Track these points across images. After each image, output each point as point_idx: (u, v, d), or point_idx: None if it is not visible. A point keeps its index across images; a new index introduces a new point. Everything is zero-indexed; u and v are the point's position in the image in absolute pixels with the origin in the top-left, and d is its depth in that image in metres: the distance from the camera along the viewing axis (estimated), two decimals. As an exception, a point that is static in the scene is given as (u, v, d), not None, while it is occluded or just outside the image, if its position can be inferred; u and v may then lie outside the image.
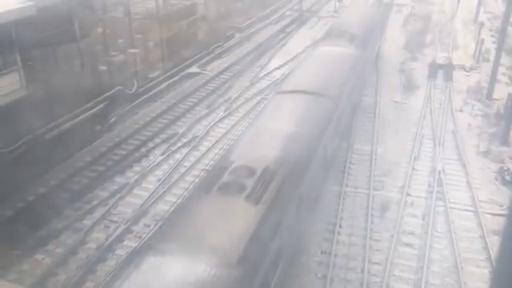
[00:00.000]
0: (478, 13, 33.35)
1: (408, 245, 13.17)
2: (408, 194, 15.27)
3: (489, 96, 22.08)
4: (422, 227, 13.85)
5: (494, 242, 13.04)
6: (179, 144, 18.05)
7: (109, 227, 13.60)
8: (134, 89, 20.76)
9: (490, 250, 12.77)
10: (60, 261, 12.21)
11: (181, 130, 18.96)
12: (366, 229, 13.63)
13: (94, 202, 14.55)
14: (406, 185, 15.66)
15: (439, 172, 16.27)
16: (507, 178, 16.02)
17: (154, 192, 15.08)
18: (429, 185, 15.79)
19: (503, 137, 18.41)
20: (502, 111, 19.75)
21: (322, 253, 12.85)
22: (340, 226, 13.79)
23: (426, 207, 14.70)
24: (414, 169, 16.65)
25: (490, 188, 15.74)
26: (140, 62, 21.74)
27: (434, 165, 16.82)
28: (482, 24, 29.37)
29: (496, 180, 16.12)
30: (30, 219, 13.30)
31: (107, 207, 14.29)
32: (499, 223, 13.98)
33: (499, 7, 33.43)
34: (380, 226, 13.85)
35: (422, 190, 15.56)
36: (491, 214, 14.45)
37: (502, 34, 21.85)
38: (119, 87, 19.45)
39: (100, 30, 19.72)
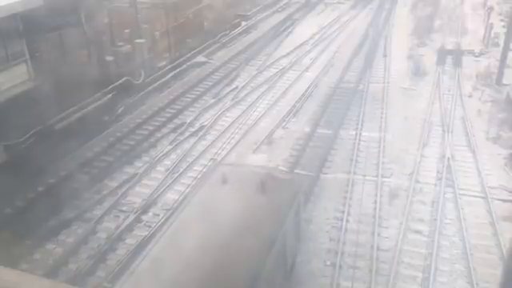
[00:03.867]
0: (487, -3, 32.87)
1: (417, 231, 13.15)
2: (417, 181, 15.21)
3: (498, 81, 21.83)
4: (431, 214, 13.80)
5: (504, 228, 12.99)
6: (187, 134, 18.07)
7: (118, 217, 13.71)
8: (142, 79, 20.77)
9: (500, 237, 12.73)
10: (71, 250, 12.35)
11: (188, 120, 18.98)
12: (375, 216, 13.62)
13: (104, 192, 14.65)
14: (414, 171, 15.59)
15: (448, 158, 16.18)
16: (517, 163, 15.90)
17: (162, 181, 15.15)
18: (438, 171, 15.71)
19: (513, 122, 18.24)
20: (511, 96, 19.53)
21: (330, 240, 12.87)
22: (349, 214, 13.79)
23: (435, 194, 14.64)
24: (422, 155, 16.56)
25: (500, 174, 15.64)
26: (147, 51, 21.71)
27: (443, 151, 16.72)
28: (491, 8, 28.94)
29: (506, 166, 16.00)
30: (40, 209, 13.42)
31: (117, 197, 14.39)
32: (509, 209, 13.90)
33: (509, -9, 32.88)
34: (389, 213, 13.83)
35: (431, 177, 15.48)
36: (501, 200, 14.37)
37: (511, 18, 21.53)
38: (126, 77, 19.47)
39: (106, 20, 19.70)
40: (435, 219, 13.49)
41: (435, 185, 15.07)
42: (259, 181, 9.85)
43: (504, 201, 14.33)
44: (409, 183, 15.08)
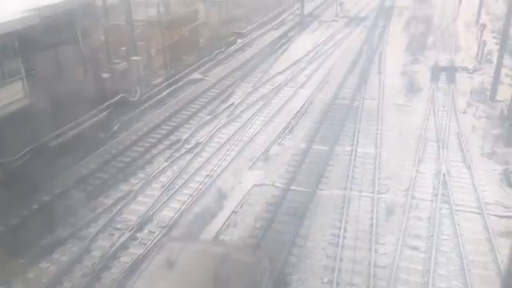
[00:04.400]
0: (479, 14, 33.31)
1: (414, 248, 13.09)
2: (413, 197, 15.20)
3: (492, 97, 22.00)
4: (428, 230, 13.76)
5: (501, 244, 12.94)
6: (183, 150, 18.04)
7: (113, 235, 13.58)
8: (137, 96, 20.79)
9: (497, 253, 12.68)
10: (65, 269, 12.19)
11: (184, 137, 18.96)
12: (372, 232, 13.56)
13: (99, 210, 14.54)
14: (410, 187, 15.59)
15: (444, 174, 16.20)
16: (513, 179, 15.94)
17: (158, 198, 15.07)
18: (434, 187, 15.72)
19: (508, 138, 18.32)
20: (505, 112, 19.67)
21: (327, 257, 12.78)
22: (345, 230, 13.72)
23: (431, 210, 14.62)
24: (418, 171, 16.58)
25: (496, 190, 15.65)
26: (143, 68, 21.78)
27: (439, 167, 16.74)
28: (483, 26, 29.32)
29: (501, 182, 16.03)
30: (34, 227, 13.29)
31: (112, 214, 14.28)
32: (505, 225, 13.89)
33: (500, 8, 33.38)
34: (385, 230, 13.77)
35: (427, 193, 15.48)
36: (497, 215, 14.36)
37: (504, 35, 21.81)
38: (122, 94, 19.50)
39: (102, 37, 19.79)
40: (432, 235, 13.45)
41: (431, 201, 15.06)
42: (213, 266, 8.15)
43: (500, 216, 14.32)
44: (405, 199, 15.06)
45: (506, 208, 14.68)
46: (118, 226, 13.95)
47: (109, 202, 14.96)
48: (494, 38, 29.41)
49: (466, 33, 32.45)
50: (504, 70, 23.24)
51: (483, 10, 33.73)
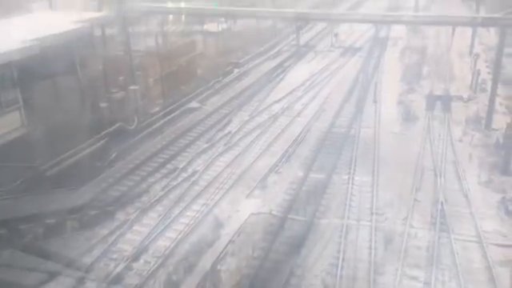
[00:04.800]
0: (472, 45, 33.88)
1: (413, 278, 12.95)
2: (411, 226, 15.11)
3: (488, 126, 22.17)
4: (427, 259, 13.64)
5: (500, 273, 12.82)
6: (180, 179, 17.99)
7: (109, 265, 13.40)
8: (135, 125, 20.86)
9: (496, 281, 12.55)
10: (59, 300, 11.98)
11: (181, 165, 18.93)
12: (370, 262, 13.42)
13: (94, 240, 14.37)
14: (408, 216, 15.52)
15: (442, 203, 16.16)
16: (510, 207, 15.90)
17: (154, 228, 14.93)
18: (432, 216, 15.65)
19: (504, 167, 18.38)
20: (501, 141, 19.79)
21: None
22: (344, 260, 13.58)
23: (430, 239, 14.52)
24: (416, 200, 16.54)
25: (494, 218, 15.60)
26: (140, 97, 21.92)
27: (436, 196, 16.72)
28: (477, 55, 29.79)
29: (499, 210, 15.99)
30: (28, 258, 13.10)
31: (107, 245, 14.11)
32: (504, 254, 13.78)
33: (492, 39, 33.97)
34: (384, 259, 13.64)
35: (426, 222, 15.40)
36: (496, 244, 14.26)
37: (496, 64, 22.15)
38: (120, 123, 19.57)
39: (101, 67, 19.99)
40: (431, 264, 13.32)
41: (430, 229, 14.98)
42: None
43: (499, 245, 14.22)
44: (403, 228, 14.97)
45: (505, 237, 14.60)
46: (114, 256, 13.77)
47: (104, 232, 14.80)
48: (487, 67, 29.83)
49: (460, 62, 32.92)
50: (498, 99, 23.48)
51: (476, 40, 34.31)
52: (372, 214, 15.69)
